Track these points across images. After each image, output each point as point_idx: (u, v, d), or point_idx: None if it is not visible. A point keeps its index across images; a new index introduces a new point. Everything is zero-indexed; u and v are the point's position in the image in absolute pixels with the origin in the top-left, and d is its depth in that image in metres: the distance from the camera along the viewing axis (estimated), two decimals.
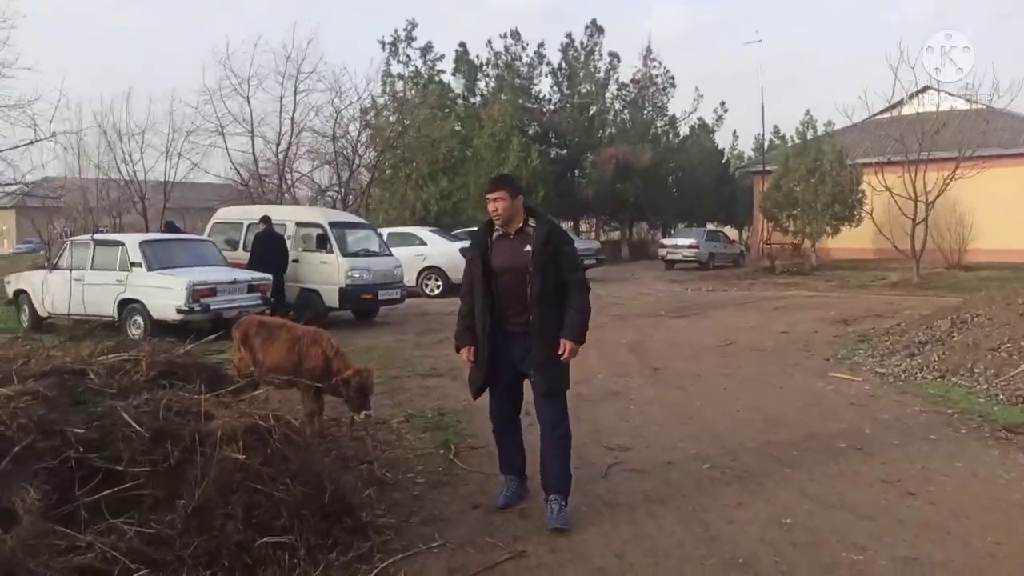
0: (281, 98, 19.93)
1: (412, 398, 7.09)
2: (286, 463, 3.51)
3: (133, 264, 10.24)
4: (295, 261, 12.19)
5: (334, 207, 20.98)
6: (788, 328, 10.93)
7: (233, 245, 12.79)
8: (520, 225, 3.94)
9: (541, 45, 33.52)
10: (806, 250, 25.84)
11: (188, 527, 3.22)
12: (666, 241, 28.67)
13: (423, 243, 17.32)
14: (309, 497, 3.46)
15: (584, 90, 33.83)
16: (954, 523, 3.81)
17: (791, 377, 7.58)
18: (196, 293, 9.85)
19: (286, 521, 3.36)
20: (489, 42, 32.87)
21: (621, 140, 32.88)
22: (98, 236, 11.63)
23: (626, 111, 35.36)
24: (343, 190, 21.72)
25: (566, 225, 29.29)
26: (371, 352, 9.68)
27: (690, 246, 26.39)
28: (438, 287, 16.97)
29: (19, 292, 11.66)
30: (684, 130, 37.61)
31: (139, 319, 10.14)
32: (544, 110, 33.40)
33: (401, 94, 24.56)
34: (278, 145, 19.92)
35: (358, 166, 22.58)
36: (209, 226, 13.51)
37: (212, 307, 9.96)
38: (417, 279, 16.90)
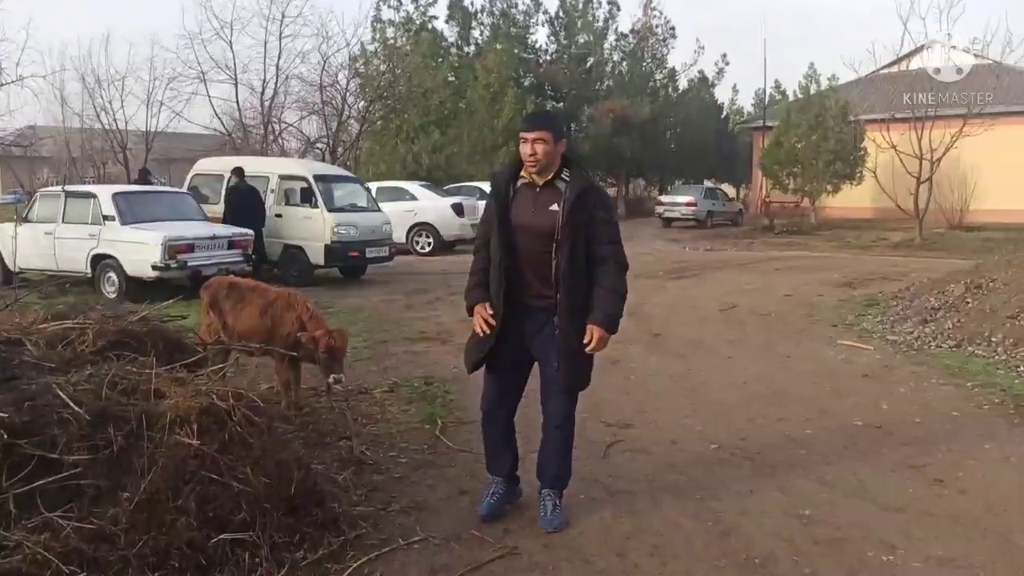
0: (265, 43, 19.13)
1: (398, 364, 6.69)
2: (247, 449, 3.10)
3: (106, 217, 9.72)
4: (278, 216, 11.68)
5: (323, 160, 20.34)
6: (792, 291, 10.53)
7: (214, 198, 12.25)
8: (551, 176, 3.20)
9: None
10: (805, 209, 25.36)
11: (133, 522, 2.82)
12: (664, 198, 28.12)
13: (413, 198, 16.77)
14: (273, 488, 3.06)
15: (582, 40, 32.87)
16: (990, 517, 3.45)
17: (798, 345, 7.20)
18: (172, 249, 9.36)
19: (246, 515, 2.96)
20: None
21: (619, 93, 32.06)
22: (69, 187, 11.08)
23: (624, 63, 34.42)
24: (331, 142, 21.02)
25: None
26: (358, 313, 9.27)
27: (688, 204, 25.87)
28: (429, 244, 16.48)
29: None
30: (683, 83, 36.77)
31: (113, 276, 9.68)
32: (540, 61, 32.49)
33: (392, 41, 23.64)
34: (263, 93, 19.15)
35: (347, 117, 21.85)
36: (189, 178, 12.94)
37: (190, 264, 9.48)
38: (407, 236, 16.40)
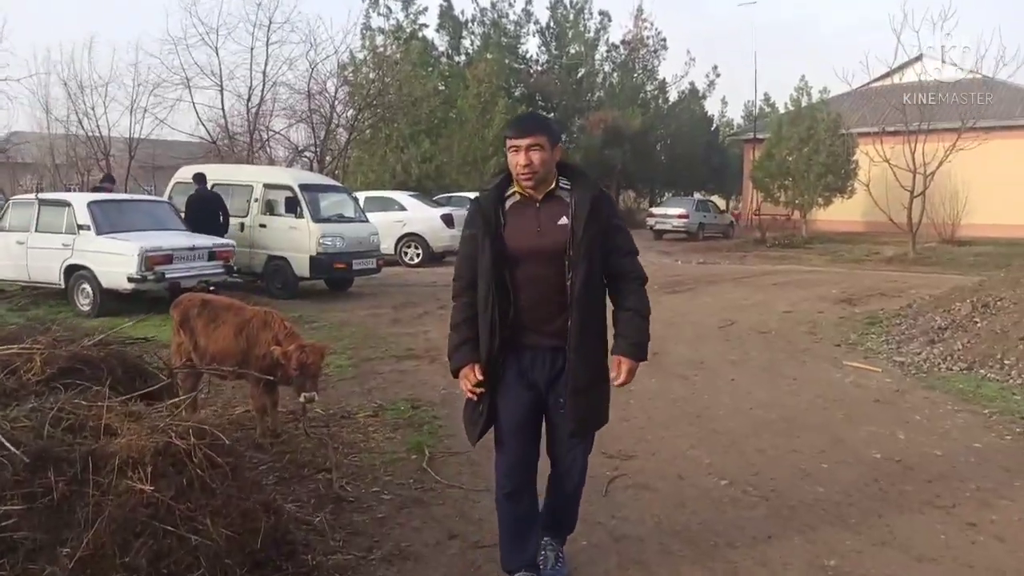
0: (252, 49, 18.75)
1: (384, 385, 6.33)
2: (208, 496, 2.73)
3: (81, 227, 9.31)
4: (262, 226, 11.30)
5: (311, 169, 19.96)
6: (791, 307, 10.25)
7: None
8: (551, 187, 2.71)
9: (529, 2, 32.36)
10: (796, 222, 25.20)
11: None
12: (655, 210, 27.88)
13: (402, 208, 16.40)
14: (237, 540, 2.70)
15: (573, 51, 32.72)
16: None
17: (804, 366, 6.89)
18: (149, 260, 8.97)
19: (205, 573, 2.61)
20: None
21: (610, 104, 31.89)
22: (43, 195, 10.66)
23: (615, 74, 34.29)
24: (320, 150, 20.65)
25: None
26: (343, 328, 8.91)
27: (680, 216, 25.62)
28: (418, 255, 16.12)
29: None
30: (674, 95, 36.66)
31: (87, 288, 9.26)
32: (531, 71, 32.31)
33: (381, 49, 23.31)
34: (248, 100, 18.76)
35: (337, 125, 21.49)
36: (170, 186, 12.53)
37: (167, 276, 9.08)
38: (396, 247, 16.05)
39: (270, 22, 18.72)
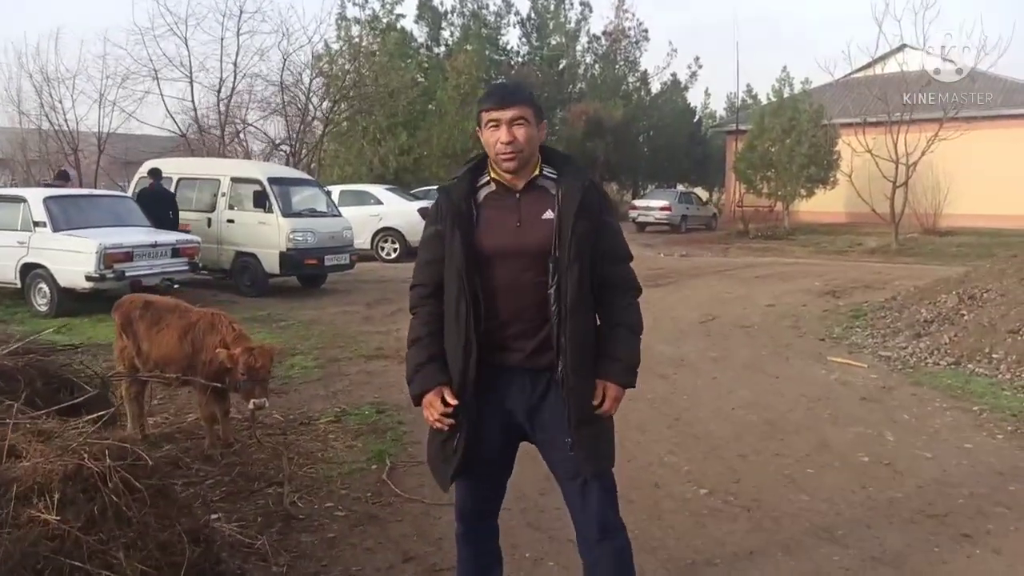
0: (222, 39, 18.24)
1: (350, 387, 6.04)
2: (123, 525, 2.43)
3: (37, 223, 8.89)
4: (230, 222, 10.93)
5: (287, 162, 19.52)
6: (774, 300, 10.04)
7: None
8: (534, 175, 2.24)
9: None
10: (779, 213, 25.08)
11: None
12: (638, 202, 27.66)
13: (378, 202, 16.03)
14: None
15: (554, 42, 32.36)
16: None
17: (787, 362, 6.66)
18: (109, 257, 8.58)
19: None
20: None
21: (592, 96, 31.57)
22: None
23: (597, 65, 33.99)
24: (295, 144, 20.19)
25: None
26: (311, 327, 8.58)
27: (662, 208, 25.42)
28: (395, 250, 15.77)
29: None
30: (656, 86, 36.41)
31: (44, 287, 8.86)
32: (512, 63, 31.91)
33: (357, 40, 22.86)
34: (219, 92, 18.27)
35: (313, 118, 21.04)
36: (134, 181, 12.11)
37: (128, 274, 8.70)
38: (372, 241, 15.69)
39: (241, 12, 18.25)
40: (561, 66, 32.54)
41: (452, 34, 31.09)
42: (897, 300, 8.91)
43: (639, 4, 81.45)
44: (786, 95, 26.35)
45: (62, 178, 11.60)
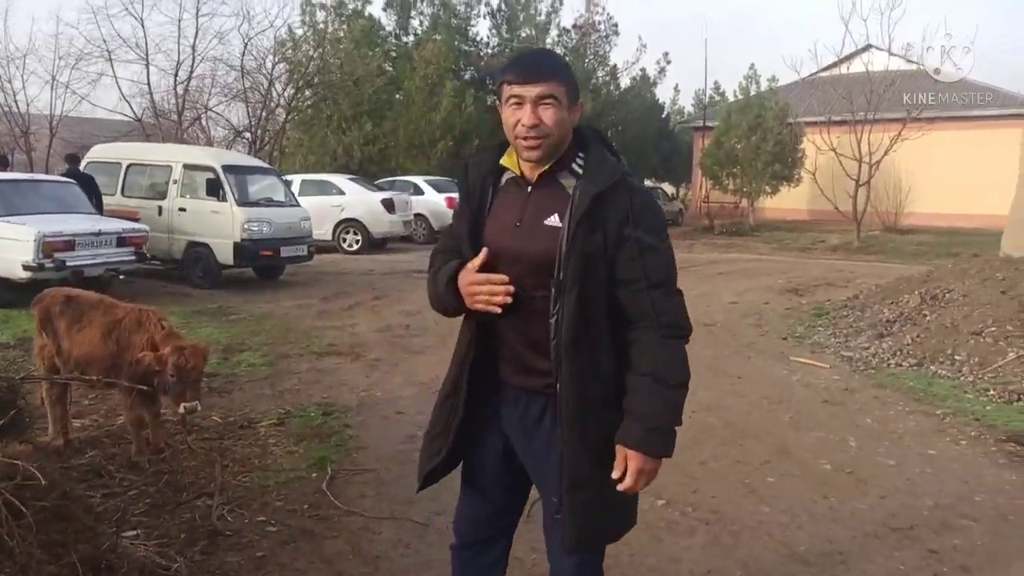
0: (179, 20, 17.66)
1: (298, 386, 5.77)
2: (3, 556, 2.16)
3: None
4: (182, 210, 10.52)
5: (249, 150, 19.02)
6: (737, 298, 9.95)
7: (111, 188, 11.02)
8: (554, 165, 1.86)
9: None
10: (744, 209, 25.18)
11: None
12: None
13: (341, 192, 15.65)
14: None
15: (524, 34, 32.00)
16: None
17: (748, 362, 6.53)
18: (48, 246, 8.15)
19: None
20: None
21: None
22: None
23: (567, 58, 33.72)
24: (258, 131, 19.67)
25: None
26: (263, 322, 8.26)
27: None
28: (357, 242, 15.43)
29: None
30: (625, 82, 36.28)
31: None
32: (481, 54, 31.49)
33: (322, 26, 22.33)
34: (176, 76, 17.68)
35: (276, 106, 20.51)
36: (83, 165, 11.60)
37: (69, 264, 8.27)
38: (333, 232, 15.34)
39: None
40: None
41: (421, 23, 30.56)
42: (859, 299, 8.86)
43: None
44: (753, 93, 26.64)
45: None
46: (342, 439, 4.49)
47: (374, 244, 15.63)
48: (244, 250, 10.27)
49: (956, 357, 6.18)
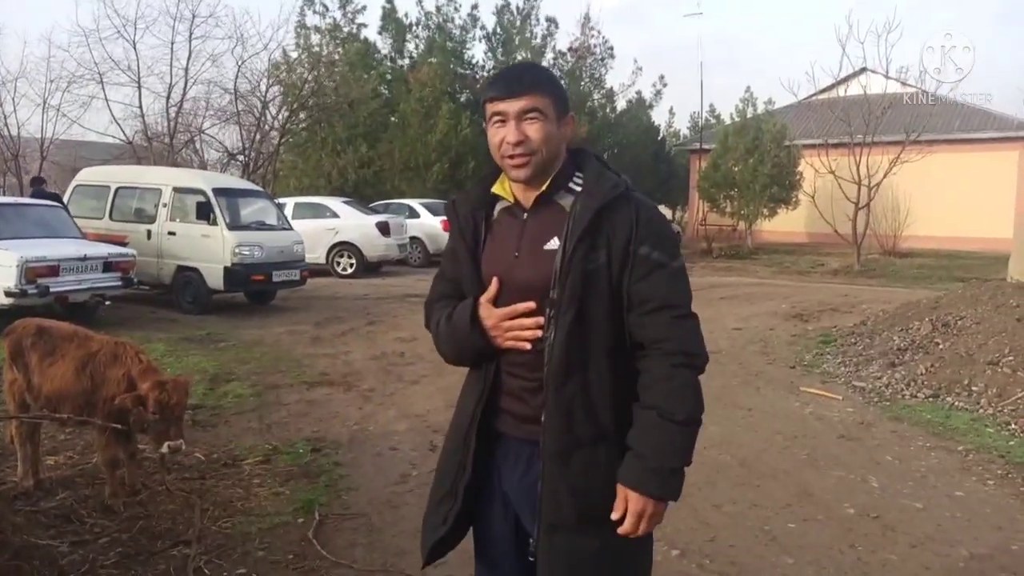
0: (172, 44, 17.52)
1: (287, 419, 5.50)
2: None
3: None
4: (171, 234, 10.28)
5: (243, 173, 18.82)
6: (741, 323, 9.71)
7: (99, 212, 10.80)
8: (549, 186, 1.71)
9: (475, 7, 31.58)
10: (742, 232, 25.06)
11: None
12: None
13: (335, 215, 15.42)
14: None
15: (519, 57, 32.08)
16: None
17: (758, 393, 6.28)
18: (31, 271, 7.89)
19: None
20: (419, 1, 30.74)
21: None
22: None
23: (563, 81, 33.77)
24: (252, 154, 19.49)
25: None
26: (253, 349, 7.99)
27: None
28: (351, 265, 15.18)
29: None
30: (621, 104, 36.36)
31: None
32: (477, 77, 31.53)
33: (317, 49, 22.25)
34: (168, 98, 17.51)
35: (270, 128, 20.35)
36: (70, 189, 11.39)
37: (52, 289, 8.01)
38: (327, 256, 15.09)
39: (193, 16, 17.56)
40: None
41: (417, 46, 30.62)
42: (867, 325, 8.64)
43: (605, 22, 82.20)
44: (749, 115, 26.48)
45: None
46: (331, 479, 4.21)
47: (369, 268, 15.39)
48: (235, 275, 10.02)
49: (973, 388, 5.94)
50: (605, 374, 1.64)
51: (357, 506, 3.83)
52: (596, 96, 35.11)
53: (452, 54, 29.92)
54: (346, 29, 25.46)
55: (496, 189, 1.77)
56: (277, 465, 4.45)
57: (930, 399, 5.95)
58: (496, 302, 1.70)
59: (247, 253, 10.09)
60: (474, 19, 31.78)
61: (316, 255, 14.31)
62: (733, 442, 4.89)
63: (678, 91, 76.11)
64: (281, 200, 14.49)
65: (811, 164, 20.71)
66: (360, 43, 26.47)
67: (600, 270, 1.62)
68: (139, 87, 17.55)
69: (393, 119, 24.72)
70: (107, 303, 9.00)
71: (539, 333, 1.65)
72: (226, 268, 9.95)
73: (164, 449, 3.60)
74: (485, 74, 32.07)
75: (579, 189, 1.69)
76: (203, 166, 20.23)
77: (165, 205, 10.37)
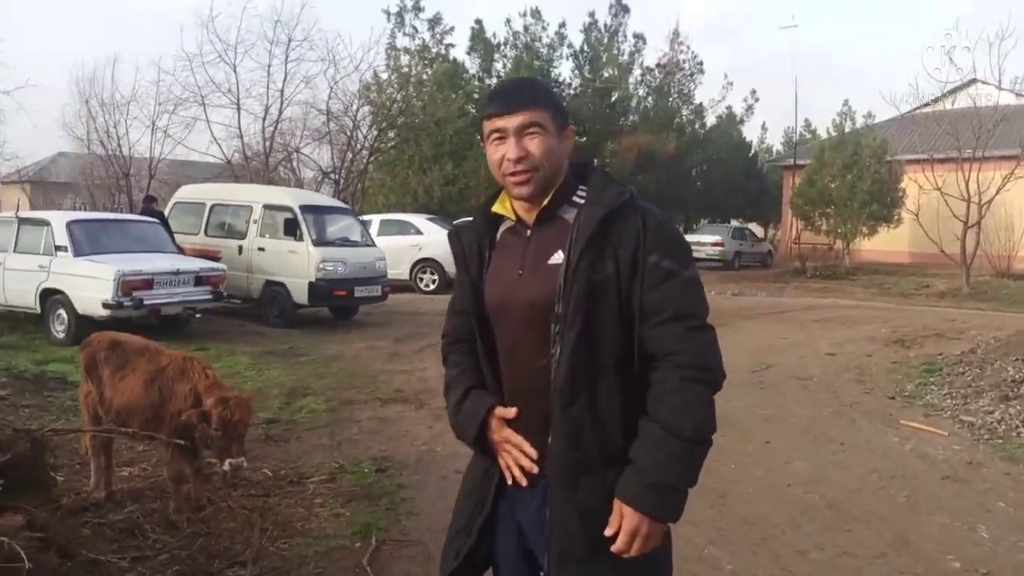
0: (269, 66, 18.25)
1: (358, 436, 5.47)
2: None
3: (58, 248, 8.65)
4: (260, 250, 10.59)
5: (335, 191, 19.37)
6: (835, 348, 9.14)
7: (195, 228, 11.27)
8: (552, 201, 1.64)
9: (562, 25, 31.57)
10: (839, 251, 23.92)
11: None
12: (689, 238, 26.76)
13: (419, 232, 15.62)
14: None
15: (606, 74, 31.90)
16: None
17: (853, 426, 5.83)
18: (127, 284, 8.25)
19: None
20: (508, 20, 31.06)
21: (644, 129, 30.92)
22: (23, 214, 10.08)
23: (650, 98, 33.33)
24: (343, 172, 20.05)
25: None
26: (331, 364, 8.08)
27: (714, 244, 24.58)
28: (433, 282, 15.30)
29: None
30: (711, 120, 35.57)
31: (63, 313, 8.58)
32: (564, 94, 31.51)
33: (406, 69, 22.72)
34: (264, 119, 18.24)
35: (361, 148, 20.89)
36: (169, 206, 11.94)
37: (146, 302, 8.35)
38: (411, 272, 15.26)
39: (289, 40, 18.25)
40: (613, 98, 32.01)
41: (504, 65, 30.92)
42: (977, 353, 7.96)
43: (694, 37, 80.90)
44: (847, 129, 25.41)
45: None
46: (393, 501, 4.12)
47: (451, 284, 15.41)
48: (318, 290, 10.22)
49: None
50: (615, 392, 1.56)
51: (416, 532, 3.71)
52: (685, 112, 34.51)
53: (539, 72, 30.00)
54: (434, 50, 25.93)
55: (497, 208, 1.71)
56: (341, 485, 4.39)
57: None
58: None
59: (330, 269, 10.28)
60: (561, 37, 31.85)
61: (400, 271, 14.51)
62: (822, 480, 4.52)
63: (771, 106, 74.08)
64: (367, 217, 14.77)
65: (915, 180, 19.57)
66: (448, 63, 26.92)
67: (608, 281, 1.55)
68: (238, 108, 18.36)
69: (478, 137, 24.95)
70: (198, 316, 9.32)
71: (535, 470, 1.61)
72: (310, 283, 10.17)
73: (225, 466, 3.59)
74: (572, 92, 32.05)
75: (583, 202, 1.62)
76: (299, 184, 20.94)
77: (255, 221, 10.71)
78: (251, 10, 19.49)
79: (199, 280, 9.06)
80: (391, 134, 21.09)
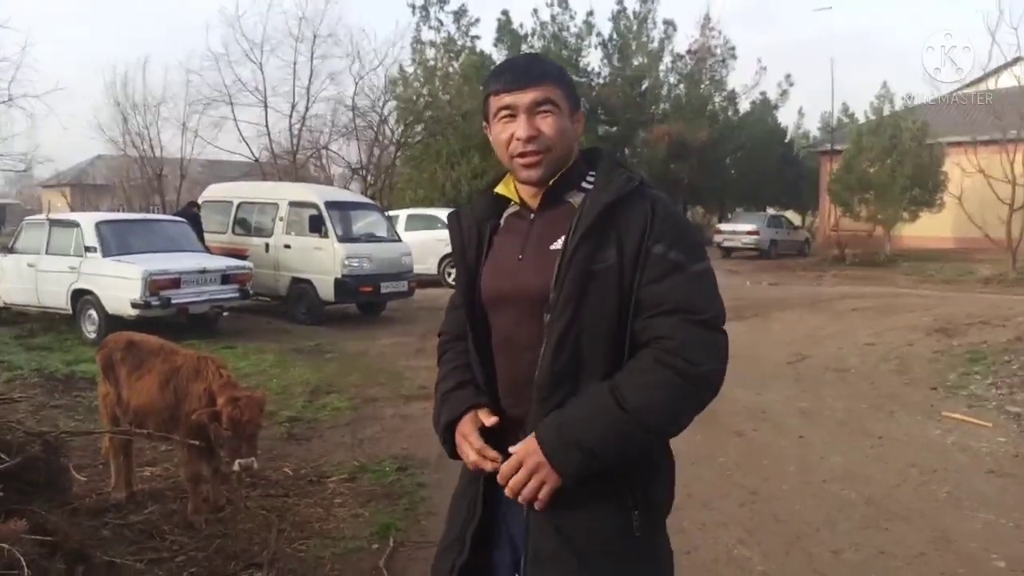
0: (294, 64, 18.35)
1: (380, 434, 5.41)
2: None
3: (88, 249, 8.75)
4: (287, 247, 10.61)
5: (363, 186, 19.45)
6: (874, 338, 8.85)
7: (222, 227, 11.34)
8: (560, 184, 1.53)
9: (590, 14, 31.29)
10: (879, 238, 23.30)
11: None
12: (723, 226, 26.41)
13: (445, 227, 15.53)
14: None
15: (636, 62, 31.51)
16: None
17: (892, 418, 5.60)
18: (154, 284, 8.31)
19: None
20: (535, 11, 30.82)
21: (675, 116, 30.49)
22: (54, 216, 10.24)
23: (681, 85, 32.85)
24: (370, 167, 20.11)
25: None
26: (356, 360, 8.05)
27: (749, 232, 24.14)
28: None
29: None
30: (744, 106, 34.91)
31: (93, 313, 8.69)
32: (593, 84, 31.22)
33: (432, 63, 22.67)
34: (291, 116, 18.35)
35: (389, 142, 20.91)
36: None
37: (174, 301, 8.41)
38: (439, 266, 15.22)
39: (315, 37, 18.33)
40: (644, 87, 31.60)
41: None
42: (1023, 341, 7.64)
43: (726, 22, 79.50)
44: (886, 112, 24.69)
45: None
46: (412, 501, 4.04)
47: None
48: (344, 286, 10.21)
49: None
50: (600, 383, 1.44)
51: (434, 533, 3.58)
52: (717, 99, 33.93)
53: (567, 62, 29.73)
54: (460, 42, 25.83)
55: (500, 189, 1.59)
56: (361, 484, 4.33)
57: None
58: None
59: (356, 265, 10.26)
60: (589, 26, 31.54)
61: (428, 266, 14.47)
62: (859, 475, 4.32)
63: (807, 91, 72.65)
64: (394, 212, 14.75)
65: (958, 163, 18.94)
66: (475, 56, 26.81)
67: (609, 271, 1.42)
68: (265, 107, 18.50)
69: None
70: (226, 314, 9.37)
71: (486, 463, 1.51)
72: (336, 280, 10.16)
73: (236, 467, 3.54)
74: (601, 81, 31.74)
75: (590, 186, 1.51)
76: (328, 181, 21.06)
77: (281, 219, 10.74)
78: (276, 7, 19.44)
79: (226, 278, 9.10)
80: (418, 128, 21.08)
